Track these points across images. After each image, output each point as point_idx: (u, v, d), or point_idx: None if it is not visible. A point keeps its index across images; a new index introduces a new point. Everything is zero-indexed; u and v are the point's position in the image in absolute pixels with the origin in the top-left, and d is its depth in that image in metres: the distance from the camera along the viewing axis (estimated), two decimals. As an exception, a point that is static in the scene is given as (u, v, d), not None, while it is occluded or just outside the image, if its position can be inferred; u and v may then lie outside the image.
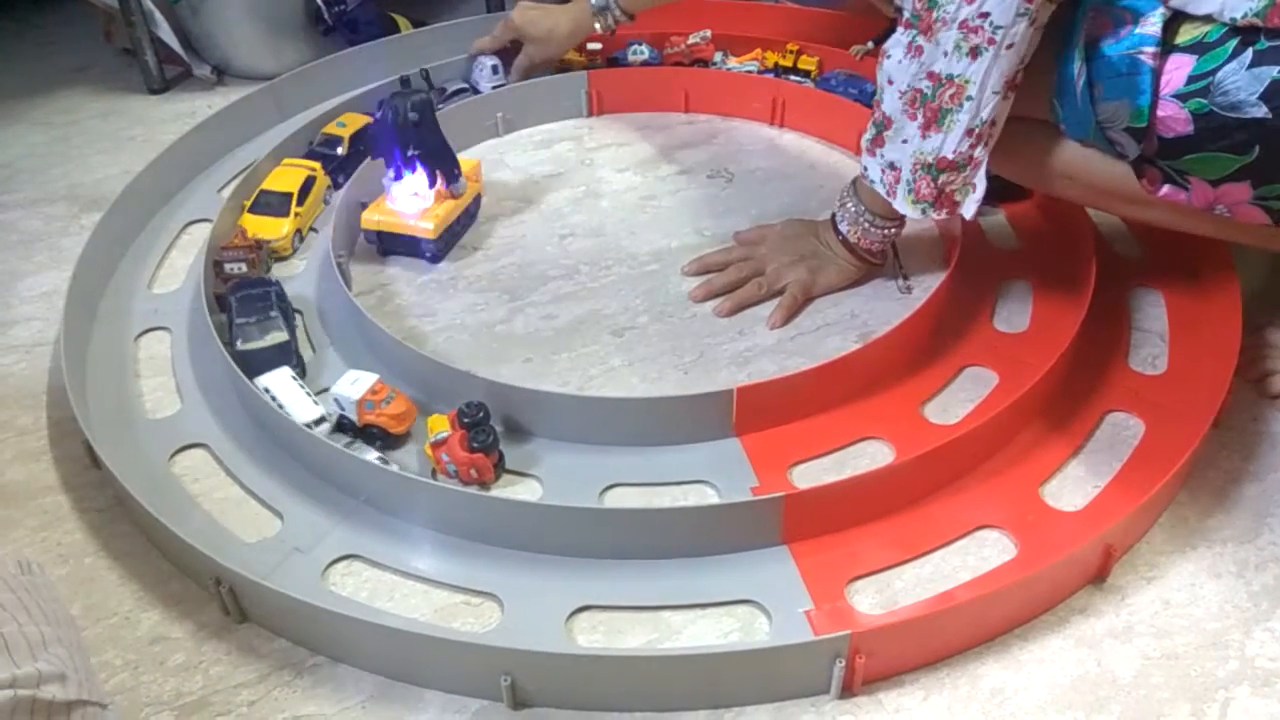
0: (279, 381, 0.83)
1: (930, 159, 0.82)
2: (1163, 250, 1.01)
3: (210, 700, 0.67)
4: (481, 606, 0.72)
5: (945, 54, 0.77)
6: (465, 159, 1.07)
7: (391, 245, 1.04)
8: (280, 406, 0.81)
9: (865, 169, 0.89)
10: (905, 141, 0.83)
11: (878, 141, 0.85)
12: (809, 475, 0.80)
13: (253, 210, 1.04)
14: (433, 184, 1.02)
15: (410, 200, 1.02)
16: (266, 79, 1.29)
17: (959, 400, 0.86)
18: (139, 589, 0.74)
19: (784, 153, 1.21)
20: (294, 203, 1.05)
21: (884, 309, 0.96)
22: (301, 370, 0.87)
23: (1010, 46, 0.75)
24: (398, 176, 1.02)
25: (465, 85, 1.27)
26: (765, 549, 0.74)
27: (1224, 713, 0.65)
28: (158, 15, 1.35)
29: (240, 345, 0.87)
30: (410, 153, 1.00)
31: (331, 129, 1.17)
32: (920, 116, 0.80)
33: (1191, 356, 0.89)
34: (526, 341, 0.94)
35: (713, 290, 0.98)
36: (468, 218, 1.08)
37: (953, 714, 0.65)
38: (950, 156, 0.81)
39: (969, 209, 0.84)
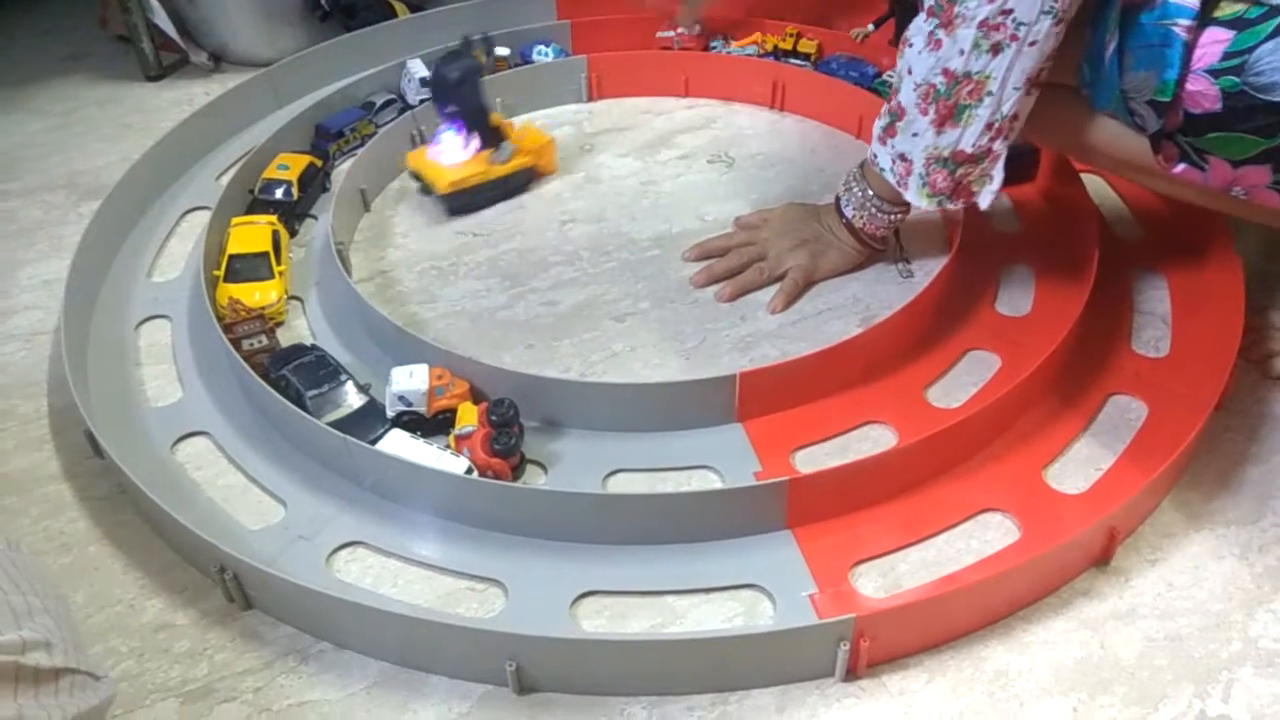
0: (401, 447, 0.78)
1: (946, 153, 0.81)
2: (1165, 233, 1.01)
3: (215, 687, 0.67)
4: (486, 592, 0.72)
5: (962, 52, 0.76)
6: (541, 132, 1.14)
7: (426, 189, 1.10)
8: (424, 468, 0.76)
9: (875, 156, 0.88)
10: (915, 135, 0.82)
11: (890, 131, 0.84)
12: (812, 460, 0.80)
13: (229, 279, 0.94)
14: (466, 145, 1.06)
15: (451, 153, 1.07)
16: (263, 65, 1.28)
17: (962, 384, 0.86)
18: (142, 577, 0.74)
19: (784, 136, 1.20)
20: (274, 262, 0.96)
21: (886, 293, 0.96)
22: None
23: (1033, 44, 0.74)
24: (443, 130, 1.07)
25: (393, 96, 1.22)
26: (769, 533, 0.74)
27: (1227, 694, 0.65)
28: (154, 2, 1.34)
29: (323, 419, 0.79)
30: (447, 110, 1.05)
31: (272, 173, 1.07)
32: (933, 112, 0.79)
33: (1194, 339, 0.89)
34: (528, 328, 0.94)
35: (714, 275, 0.98)
36: (505, 187, 1.10)
37: (956, 696, 0.65)
38: (969, 150, 0.80)
39: (985, 199, 0.83)
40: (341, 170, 1.12)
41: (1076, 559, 0.72)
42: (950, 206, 0.84)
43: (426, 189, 1.10)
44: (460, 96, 1.04)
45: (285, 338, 0.92)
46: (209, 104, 1.20)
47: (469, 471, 0.76)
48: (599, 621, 0.70)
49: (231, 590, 0.71)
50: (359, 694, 0.66)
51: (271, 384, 0.82)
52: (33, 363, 0.93)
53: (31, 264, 1.05)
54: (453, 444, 0.79)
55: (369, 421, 0.81)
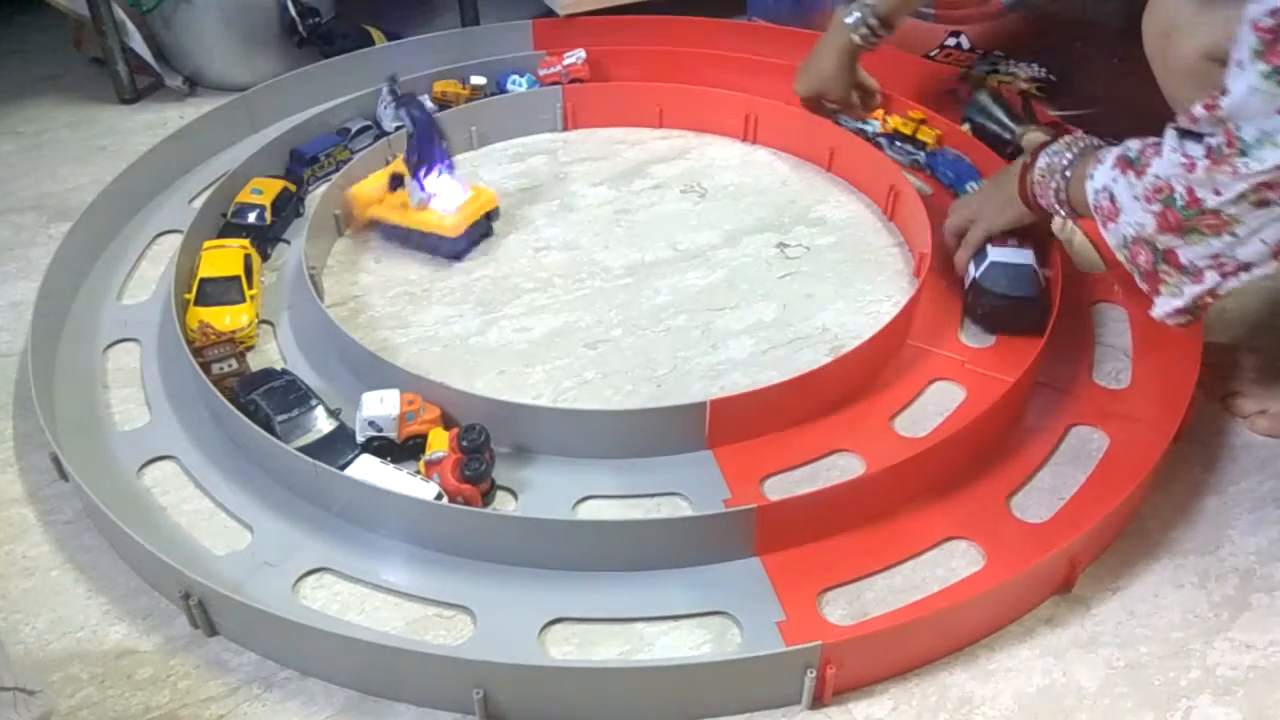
0: (371, 472, 0.77)
1: (1159, 245, 0.73)
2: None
3: (178, 714, 0.66)
4: (454, 619, 0.72)
5: (1217, 193, 0.67)
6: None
7: (418, 242, 1.06)
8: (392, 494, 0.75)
9: (1096, 167, 0.79)
10: (1136, 200, 0.73)
11: (1123, 166, 0.75)
12: (781, 487, 0.81)
13: (199, 303, 0.93)
14: (456, 180, 1.05)
15: (452, 194, 1.04)
16: (239, 90, 1.28)
17: (928, 414, 0.88)
18: (106, 602, 0.73)
19: (756, 168, 1.22)
20: (245, 286, 0.95)
21: (855, 324, 0.97)
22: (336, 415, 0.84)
23: None
24: (427, 174, 1.03)
25: (368, 123, 1.22)
26: (737, 560, 0.74)
27: (1186, 721, 0.66)
28: (129, 24, 1.34)
29: (292, 444, 0.79)
30: (443, 146, 1.02)
31: (246, 197, 1.07)
32: (1158, 207, 0.71)
33: (1154, 371, 0.91)
34: (500, 354, 0.95)
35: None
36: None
37: (922, 724, 0.66)
38: (1181, 261, 0.72)
39: (1160, 307, 0.75)
40: (316, 195, 1.13)
41: (1039, 587, 0.73)
42: (1138, 282, 0.77)
43: (421, 243, 1.06)
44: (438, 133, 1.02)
45: (255, 362, 0.92)
46: (183, 127, 1.20)
47: (439, 497, 0.76)
48: (567, 649, 0.70)
49: (196, 616, 0.70)
50: (324, 722, 0.66)
51: (241, 408, 0.82)
52: (-2, 385, 0.92)
53: (-1, 285, 1.05)
54: (423, 470, 0.79)
55: (339, 447, 0.81)
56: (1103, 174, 0.78)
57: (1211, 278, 0.71)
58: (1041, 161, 0.87)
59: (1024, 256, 0.93)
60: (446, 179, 1.04)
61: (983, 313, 0.94)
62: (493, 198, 1.08)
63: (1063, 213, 0.86)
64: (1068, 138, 0.86)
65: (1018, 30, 1.28)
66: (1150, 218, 0.72)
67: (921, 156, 1.18)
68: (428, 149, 1.02)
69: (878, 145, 1.18)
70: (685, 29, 1.38)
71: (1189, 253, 0.71)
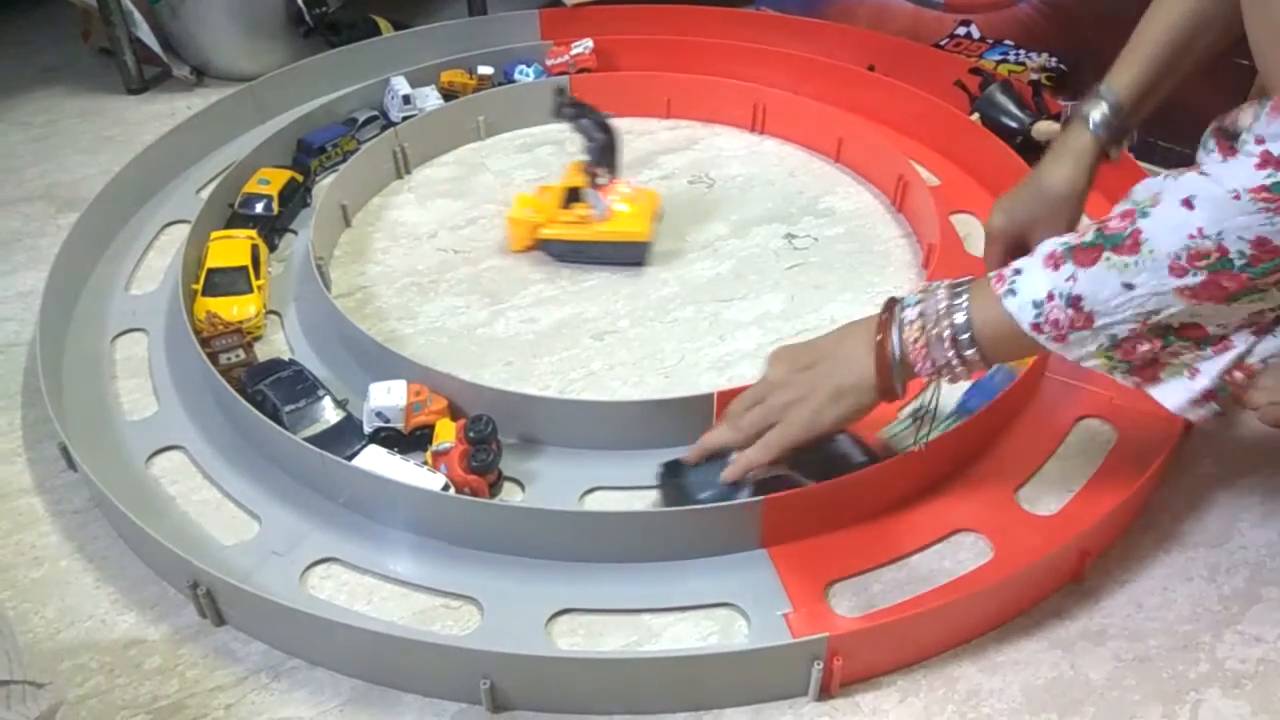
0: (378, 463, 0.77)
1: (1177, 323, 0.61)
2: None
3: (186, 703, 0.66)
4: (461, 610, 0.72)
5: None
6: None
7: (599, 255, 1.03)
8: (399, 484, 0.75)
9: (1012, 281, 0.64)
10: (1131, 287, 0.60)
11: (1087, 256, 0.61)
12: (788, 479, 0.81)
13: (207, 293, 0.94)
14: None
15: (624, 206, 1.03)
16: (246, 80, 1.28)
17: (936, 405, 0.87)
18: (115, 592, 0.74)
19: (764, 159, 1.21)
20: (253, 276, 0.95)
21: (863, 314, 0.96)
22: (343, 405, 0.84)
23: None
24: (611, 184, 1.02)
25: (375, 113, 1.22)
26: (745, 552, 0.74)
27: (1195, 714, 0.66)
28: (137, 15, 1.34)
29: (300, 434, 0.79)
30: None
31: (253, 187, 1.07)
32: (1202, 276, 0.58)
33: (1164, 363, 0.90)
34: (507, 345, 0.94)
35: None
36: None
37: (929, 716, 0.66)
38: (1209, 330, 0.61)
39: (1175, 396, 0.63)
40: (323, 186, 1.13)
41: (1048, 579, 0.73)
42: (1123, 380, 0.65)
43: (602, 255, 1.03)
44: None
45: (263, 352, 0.92)
46: (190, 118, 1.20)
47: (445, 488, 0.76)
48: (574, 639, 0.70)
49: (204, 606, 0.70)
50: (331, 712, 0.66)
51: (248, 399, 0.82)
52: (7, 375, 0.92)
53: (8, 275, 1.05)
54: (430, 460, 0.79)
55: (346, 437, 0.81)
56: (1039, 281, 0.63)
57: (1243, 340, 0.61)
58: (909, 315, 0.68)
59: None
60: (620, 186, 1.04)
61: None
62: (657, 195, 1.08)
63: (958, 368, 0.67)
64: (917, 291, 0.70)
65: (1028, 19, 1.27)
66: (1177, 297, 0.59)
67: None
68: (613, 159, 1.01)
69: None
70: (693, 18, 1.37)
71: (1223, 315, 0.60)
